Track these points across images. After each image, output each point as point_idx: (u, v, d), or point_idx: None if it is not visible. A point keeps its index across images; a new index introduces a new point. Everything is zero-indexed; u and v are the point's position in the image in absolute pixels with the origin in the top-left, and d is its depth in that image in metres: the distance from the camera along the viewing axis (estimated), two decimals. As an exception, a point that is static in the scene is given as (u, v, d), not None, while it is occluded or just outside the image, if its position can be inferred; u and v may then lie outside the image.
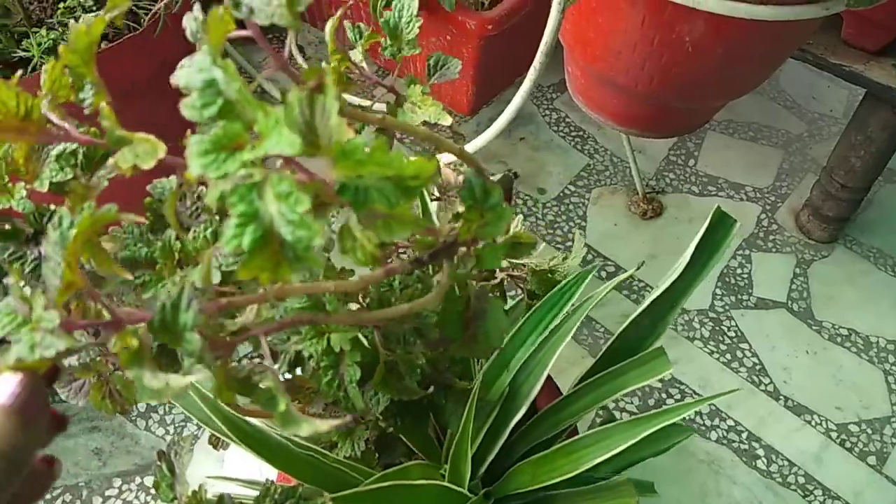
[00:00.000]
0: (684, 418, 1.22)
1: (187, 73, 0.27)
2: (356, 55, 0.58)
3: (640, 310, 0.60)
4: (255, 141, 0.25)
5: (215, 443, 0.59)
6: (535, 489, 0.60)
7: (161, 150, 0.32)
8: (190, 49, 0.29)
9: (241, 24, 0.30)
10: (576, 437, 0.61)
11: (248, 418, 0.59)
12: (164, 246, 0.51)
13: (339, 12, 0.46)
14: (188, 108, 0.26)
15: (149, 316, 0.30)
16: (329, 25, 0.46)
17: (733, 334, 1.32)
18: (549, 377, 0.81)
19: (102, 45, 0.96)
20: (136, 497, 1.09)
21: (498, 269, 0.82)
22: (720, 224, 0.57)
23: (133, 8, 0.98)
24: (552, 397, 0.70)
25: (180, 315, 0.29)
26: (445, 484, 0.56)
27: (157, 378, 0.30)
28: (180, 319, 0.29)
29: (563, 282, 0.61)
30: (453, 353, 0.42)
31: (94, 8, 0.95)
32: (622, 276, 0.66)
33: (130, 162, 0.31)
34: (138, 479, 1.10)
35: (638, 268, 0.69)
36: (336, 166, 0.25)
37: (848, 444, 1.21)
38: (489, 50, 1.18)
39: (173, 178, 0.58)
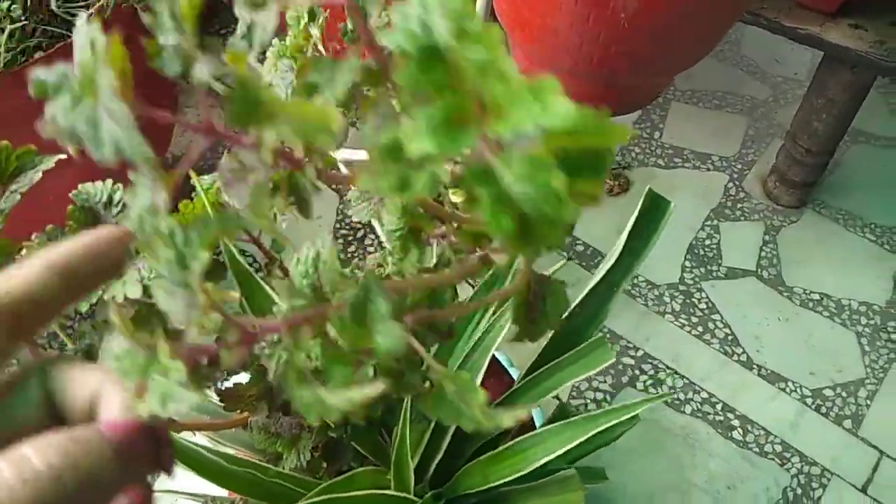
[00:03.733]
0: (656, 394, 1.22)
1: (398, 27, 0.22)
2: (314, 32, 0.56)
3: (578, 299, 0.59)
4: (488, 114, 0.22)
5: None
6: (485, 489, 0.59)
7: (337, 120, 0.26)
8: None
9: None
10: (523, 437, 0.60)
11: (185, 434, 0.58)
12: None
13: None
14: (402, 77, 0.22)
15: (281, 326, 0.27)
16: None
17: (704, 306, 1.31)
18: (504, 368, 0.80)
19: (37, 55, 0.94)
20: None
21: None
22: (654, 207, 0.55)
23: (64, 15, 0.96)
24: (504, 388, 0.68)
25: (371, 305, 0.25)
26: (388, 492, 0.55)
27: (337, 396, 0.26)
28: (372, 309, 0.25)
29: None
30: (519, 338, 0.40)
31: (24, 17, 0.93)
32: (559, 265, 0.65)
33: (296, 140, 0.25)
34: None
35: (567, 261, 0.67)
36: (550, 139, 0.21)
37: (823, 409, 1.21)
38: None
39: (99, 183, 0.56)
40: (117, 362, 0.25)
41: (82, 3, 0.94)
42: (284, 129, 0.26)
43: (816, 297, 1.33)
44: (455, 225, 0.37)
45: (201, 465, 0.52)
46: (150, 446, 0.26)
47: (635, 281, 1.34)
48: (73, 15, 0.96)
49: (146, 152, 0.25)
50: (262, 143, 0.26)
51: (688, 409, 1.20)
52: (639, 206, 0.55)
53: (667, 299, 1.32)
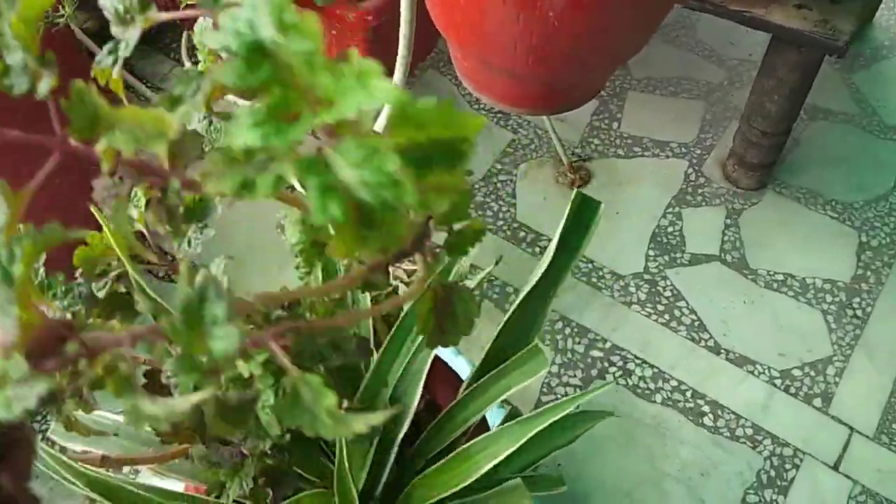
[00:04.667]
0: (626, 384, 1.22)
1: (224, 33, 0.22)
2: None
3: (513, 307, 0.58)
4: (318, 107, 0.22)
5: (90, 502, 0.56)
6: (436, 501, 0.59)
7: (172, 126, 0.26)
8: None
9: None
10: (472, 442, 0.59)
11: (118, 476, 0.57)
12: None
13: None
14: (229, 76, 0.22)
15: (125, 339, 0.27)
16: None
17: (669, 294, 1.31)
18: (454, 373, 0.79)
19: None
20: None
21: (392, 277, 0.79)
22: (584, 208, 0.55)
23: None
24: (453, 396, 0.68)
25: (207, 307, 0.25)
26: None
27: (156, 404, 0.27)
28: (207, 312, 0.25)
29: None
30: (429, 345, 0.39)
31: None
32: (480, 276, 0.64)
33: (129, 147, 0.25)
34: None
35: (496, 263, 0.66)
36: (394, 129, 0.21)
37: (792, 390, 1.22)
38: (378, 39, 1.15)
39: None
40: None
41: None
42: (120, 137, 0.25)
43: (781, 277, 1.34)
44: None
45: (132, 502, 0.51)
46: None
47: (601, 273, 1.34)
48: None
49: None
50: (102, 154, 0.26)
51: (658, 398, 1.20)
52: (566, 211, 0.55)
53: (632, 289, 1.32)
